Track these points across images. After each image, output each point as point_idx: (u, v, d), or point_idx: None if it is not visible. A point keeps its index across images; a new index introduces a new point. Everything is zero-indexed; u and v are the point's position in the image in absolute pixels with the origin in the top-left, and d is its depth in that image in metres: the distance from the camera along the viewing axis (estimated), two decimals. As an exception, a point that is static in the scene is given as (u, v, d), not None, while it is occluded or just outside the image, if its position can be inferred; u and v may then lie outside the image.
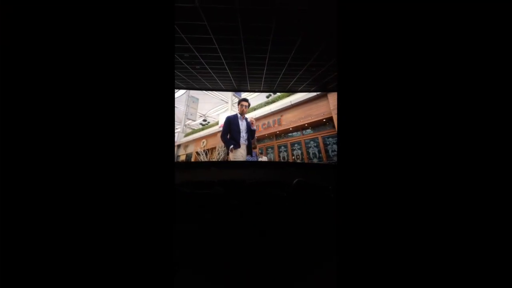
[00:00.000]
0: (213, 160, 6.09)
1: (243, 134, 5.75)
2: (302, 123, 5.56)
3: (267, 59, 3.62)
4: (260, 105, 6.04)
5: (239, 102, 5.99)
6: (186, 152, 5.98)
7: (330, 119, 5.29)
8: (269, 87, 5.79)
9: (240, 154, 5.70)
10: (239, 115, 5.90)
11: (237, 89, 6.01)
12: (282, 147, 5.69)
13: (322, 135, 5.35)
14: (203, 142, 6.04)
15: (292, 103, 5.69)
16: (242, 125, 5.81)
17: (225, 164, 6.12)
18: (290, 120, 5.68)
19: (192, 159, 5.96)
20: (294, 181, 2.26)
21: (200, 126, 6.16)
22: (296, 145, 5.59)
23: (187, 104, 6.00)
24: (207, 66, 4.04)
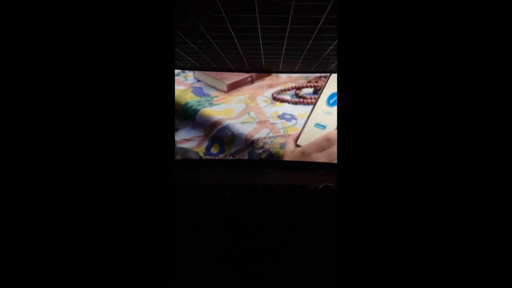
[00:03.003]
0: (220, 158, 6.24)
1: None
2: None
3: (287, 31, 3.56)
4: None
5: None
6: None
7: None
8: (290, 67, 5.80)
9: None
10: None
11: (249, 70, 6.04)
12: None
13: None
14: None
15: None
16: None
17: (234, 163, 6.23)
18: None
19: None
20: (320, 187, 2.24)
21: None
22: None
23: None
24: (212, 41, 4.04)
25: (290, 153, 5.80)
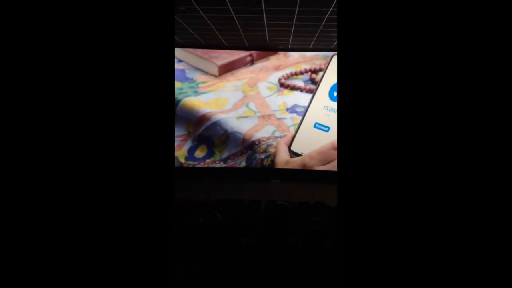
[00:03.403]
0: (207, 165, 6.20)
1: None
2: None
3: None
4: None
5: None
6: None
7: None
8: (303, 43, 5.78)
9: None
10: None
11: (248, 46, 6.04)
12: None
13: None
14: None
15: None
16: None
17: (228, 172, 6.21)
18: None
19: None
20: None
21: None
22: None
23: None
24: (198, 7, 4.00)
25: (283, 164, 5.53)
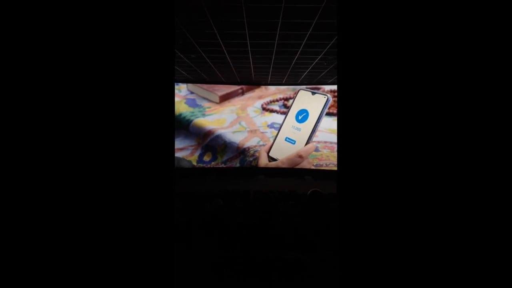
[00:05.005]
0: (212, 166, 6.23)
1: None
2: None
3: (275, 46, 3.66)
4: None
5: None
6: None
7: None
8: (278, 80, 5.88)
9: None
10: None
11: (240, 82, 6.13)
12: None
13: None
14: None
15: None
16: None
17: (226, 170, 6.23)
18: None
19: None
20: (309, 192, 2.29)
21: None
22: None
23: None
24: (204, 55, 4.11)
25: (263, 165, 5.48)
